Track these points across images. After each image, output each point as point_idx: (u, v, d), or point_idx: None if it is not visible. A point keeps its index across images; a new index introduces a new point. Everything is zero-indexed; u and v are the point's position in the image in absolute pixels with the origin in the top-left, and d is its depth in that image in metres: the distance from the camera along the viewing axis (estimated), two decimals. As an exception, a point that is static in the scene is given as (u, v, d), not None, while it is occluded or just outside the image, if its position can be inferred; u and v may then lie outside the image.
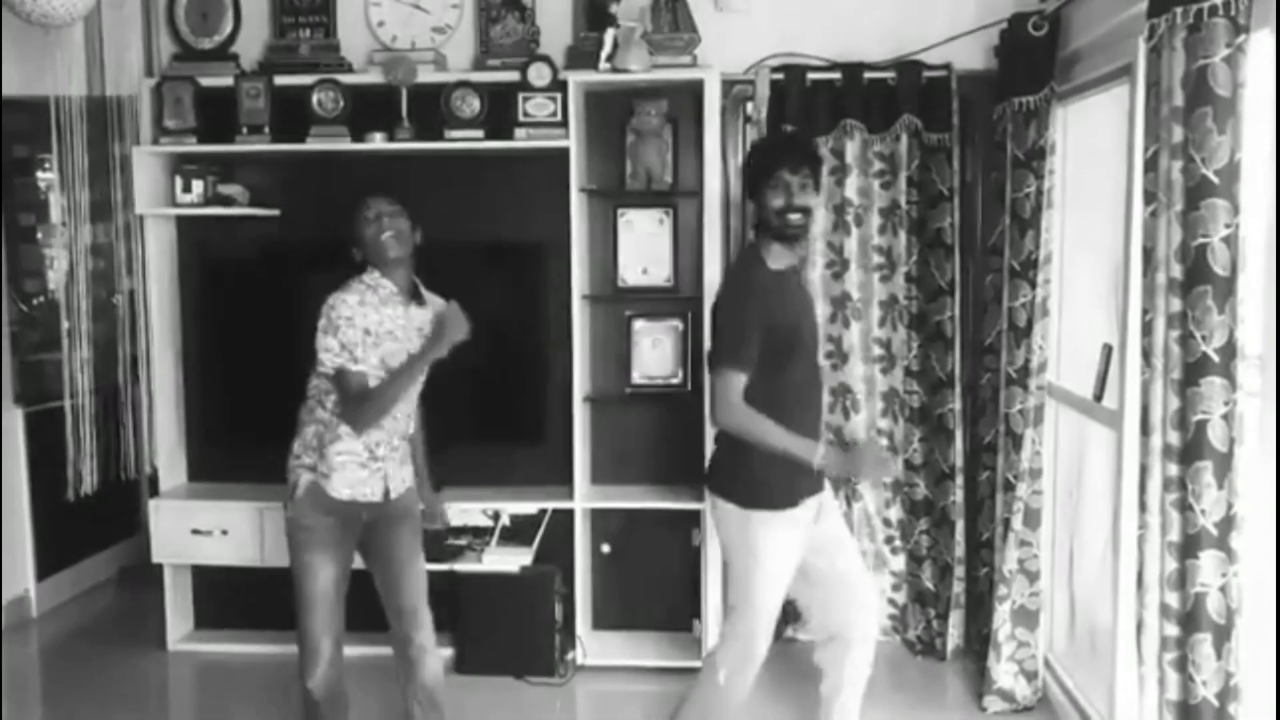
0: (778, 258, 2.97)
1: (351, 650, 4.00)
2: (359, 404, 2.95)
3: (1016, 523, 3.61)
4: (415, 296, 3.11)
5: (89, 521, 4.90)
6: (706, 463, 3.20)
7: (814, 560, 3.05)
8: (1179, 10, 2.47)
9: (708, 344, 3.15)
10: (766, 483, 2.91)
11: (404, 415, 3.12)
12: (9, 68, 4.25)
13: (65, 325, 4.33)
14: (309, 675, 3.09)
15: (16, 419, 4.64)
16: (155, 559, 4.21)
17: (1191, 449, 2.46)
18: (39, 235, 4.88)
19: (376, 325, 3.00)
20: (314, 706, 3.13)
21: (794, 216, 2.90)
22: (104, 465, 4.43)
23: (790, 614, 4.29)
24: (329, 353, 2.97)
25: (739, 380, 2.85)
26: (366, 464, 3.06)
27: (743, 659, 2.99)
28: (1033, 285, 3.56)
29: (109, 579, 5.18)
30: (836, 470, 3.02)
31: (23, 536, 4.67)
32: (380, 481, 3.09)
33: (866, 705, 3.26)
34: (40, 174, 4.85)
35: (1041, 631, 3.74)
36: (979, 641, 4.02)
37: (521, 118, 3.93)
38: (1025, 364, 3.58)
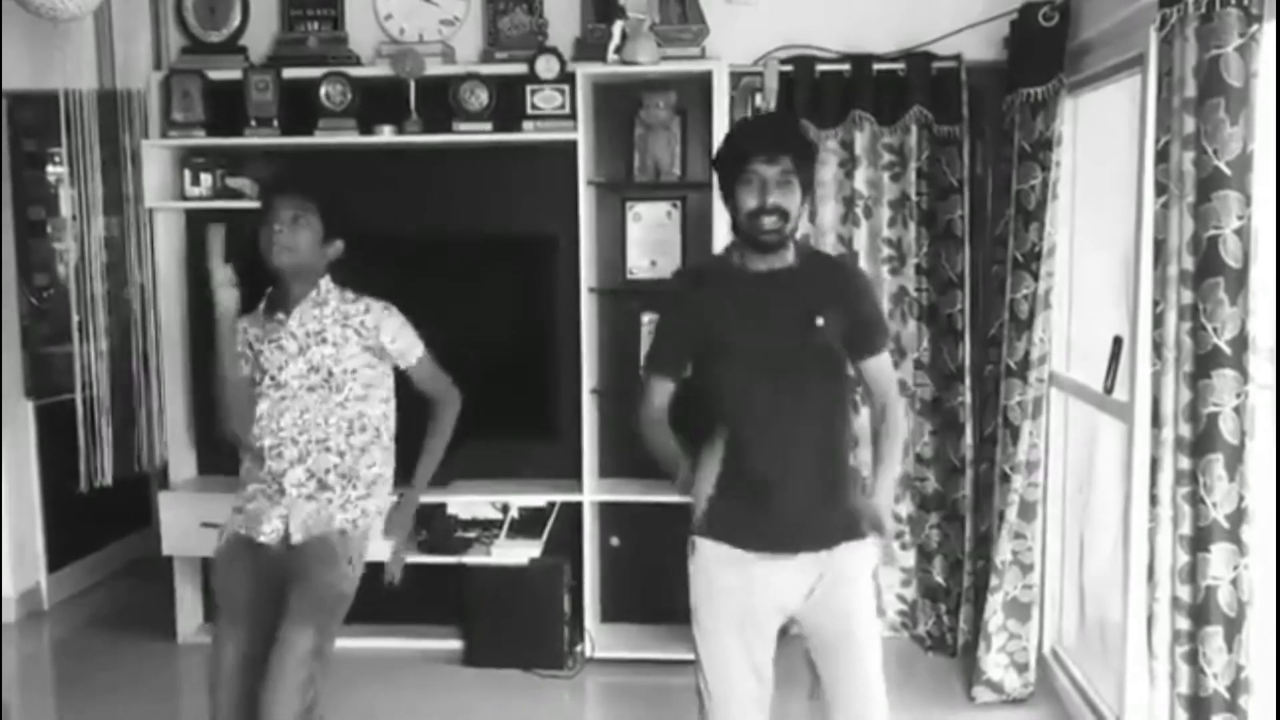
0: (753, 261, 2.44)
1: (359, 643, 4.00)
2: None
3: (1011, 515, 3.61)
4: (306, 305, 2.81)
5: (100, 514, 4.91)
6: None
7: (815, 652, 2.58)
8: (1191, 0, 2.45)
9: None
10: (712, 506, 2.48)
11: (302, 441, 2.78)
12: (19, 62, 4.26)
13: (76, 318, 4.33)
14: None
15: (27, 412, 4.65)
16: (165, 552, 4.23)
17: (1203, 442, 2.45)
18: (49, 229, 4.90)
19: (241, 346, 2.84)
20: None
21: (767, 220, 2.34)
22: (115, 458, 4.44)
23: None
24: None
25: (658, 386, 2.53)
26: (272, 496, 2.82)
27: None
28: (1035, 277, 3.54)
29: (120, 571, 5.20)
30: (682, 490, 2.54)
31: (34, 529, 4.69)
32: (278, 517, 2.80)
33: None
34: (50, 167, 4.86)
35: (1034, 624, 3.73)
36: (973, 634, 4.01)
37: (529, 110, 3.92)
38: (1026, 356, 3.57)
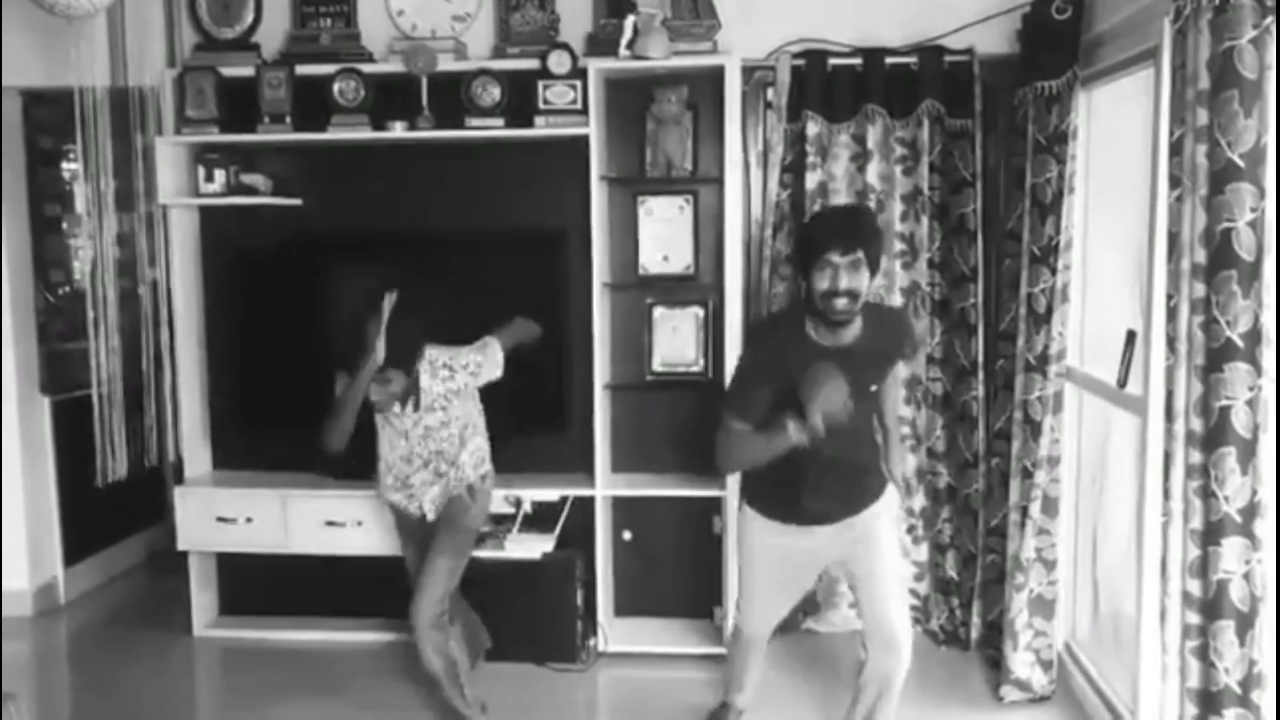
0: (825, 336, 2.84)
1: (373, 636, 4.01)
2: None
3: (1034, 510, 3.59)
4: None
5: (116, 508, 4.94)
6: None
7: (851, 585, 3.22)
8: (1204, -8, 2.44)
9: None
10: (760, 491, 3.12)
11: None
12: (34, 59, 4.28)
13: (91, 315, 4.35)
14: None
15: (43, 407, 4.68)
16: (180, 546, 4.25)
17: (1215, 435, 2.44)
18: (64, 226, 4.92)
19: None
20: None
21: (839, 301, 2.73)
22: (130, 453, 4.46)
23: (809, 606, 4.30)
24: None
25: (735, 425, 2.88)
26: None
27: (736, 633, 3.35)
28: (1053, 271, 3.53)
29: (136, 566, 5.23)
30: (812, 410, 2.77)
31: (50, 523, 4.72)
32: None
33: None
34: (65, 165, 4.89)
35: (1059, 621, 3.72)
36: (989, 628, 4.01)
37: (541, 106, 3.93)
38: (1044, 350, 3.56)
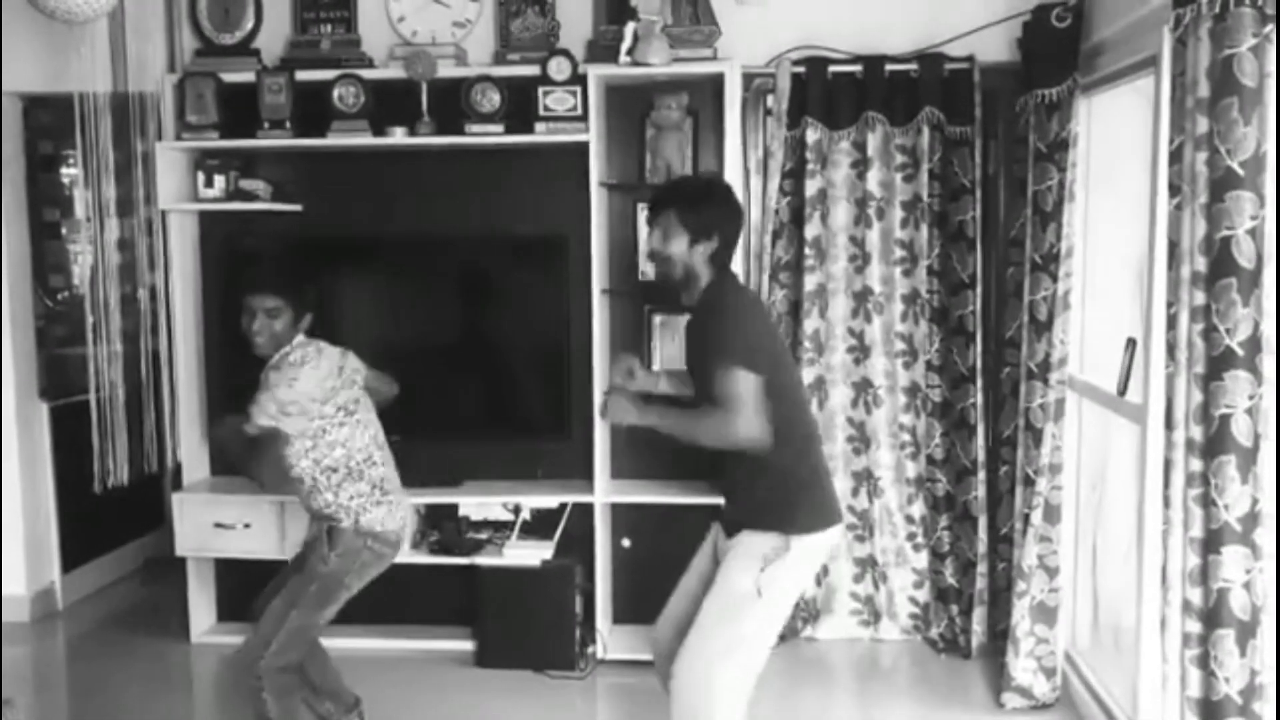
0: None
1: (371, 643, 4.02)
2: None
3: (1036, 518, 3.59)
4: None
5: (114, 514, 4.94)
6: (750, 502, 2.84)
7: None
8: (1204, 0, 2.44)
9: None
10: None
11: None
12: (34, 65, 4.28)
13: (90, 320, 4.35)
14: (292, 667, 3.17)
15: (42, 413, 4.68)
16: (179, 552, 4.24)
17: (1215, 443, 2.43)
18: (64, 231, 4.93)
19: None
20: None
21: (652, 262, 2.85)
22: (129, 459, 4.46)
23: (809, 613, 4.29)
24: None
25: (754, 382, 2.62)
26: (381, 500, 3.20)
27: None
28: (1054, 278, 3.53)
29: (134, 571, 5.22)
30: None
31: (49, 528, 4.71)
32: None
33: (890, 704, 3.24)
34: (65, 170, 4.89)
35: (1060, 628, 3.71)
36: (999, 638, 4.00)
37: (541, 112, 3.93)
38: (1046, 358, 3.56)
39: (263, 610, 3.15)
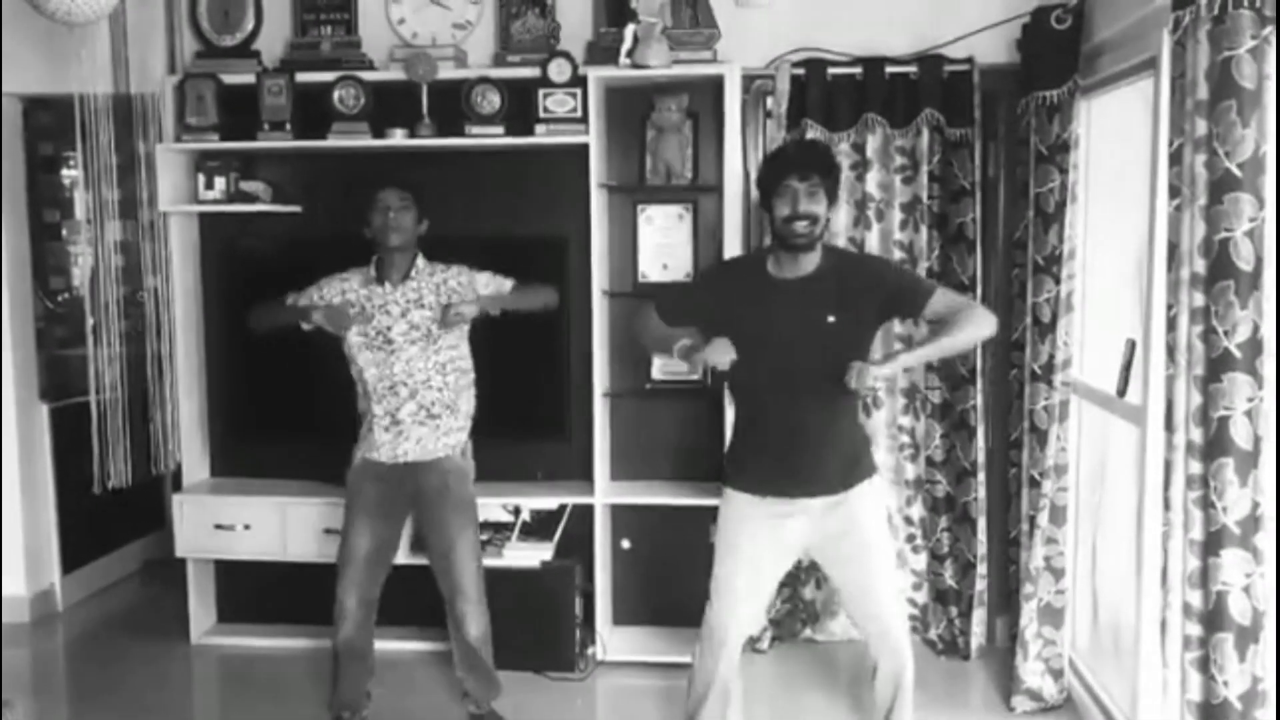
0: (784, 267, 2.96)
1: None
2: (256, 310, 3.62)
3: (1042, 520, 3.59)
4: (405, 277, 3.47)
5: (114, 516, 4.94)
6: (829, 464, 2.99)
7: (829, 571, 3.14)
8: (1203, 2, 2.44)
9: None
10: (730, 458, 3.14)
11: (410, 382, 3.43)
12: (35, 66, 4.29)
13: (90, 321, 4.35)
14: (335, 629, 3.46)
15: (42, 414, 4.68)
16: (179, 554, 4.24)
17: (1214, 446, 2.43)
18: (64, 232, 4.93)
19: (336, 296, 3.48)
20: (335, 659, 3.51)
21: (799, 224, 2.87)
22: (129, 460, 4.46)
23: (809, 615, 4.29)
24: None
25: (656, 321, 3.11)
26: (389, 428, 3.44)
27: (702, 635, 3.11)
28: (1057, 280, 3.53)
29: (134, 572, 5.22)
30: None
31: (48, 530, 4.72)
32: (399, 443, 3.45)
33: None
34: (65, 171, 4.89)
35: (1067, 630, 3.71)
36: (1010, 640, 4.00)
37: (542, 114, 3.93)
38: (1050, 360, 3.56)
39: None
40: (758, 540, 3.01)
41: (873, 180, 4.06)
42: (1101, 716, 3.50)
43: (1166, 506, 2.65)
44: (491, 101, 3.94)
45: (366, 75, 4.02)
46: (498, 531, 4.18)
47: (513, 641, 4.04)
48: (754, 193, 4.13)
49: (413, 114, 3.98)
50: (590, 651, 4.12)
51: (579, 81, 3.91)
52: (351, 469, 3.52)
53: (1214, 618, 2.44)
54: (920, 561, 4.23)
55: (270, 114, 4.02)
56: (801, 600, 4.27)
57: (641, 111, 4.10)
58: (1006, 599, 4.06)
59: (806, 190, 2.86)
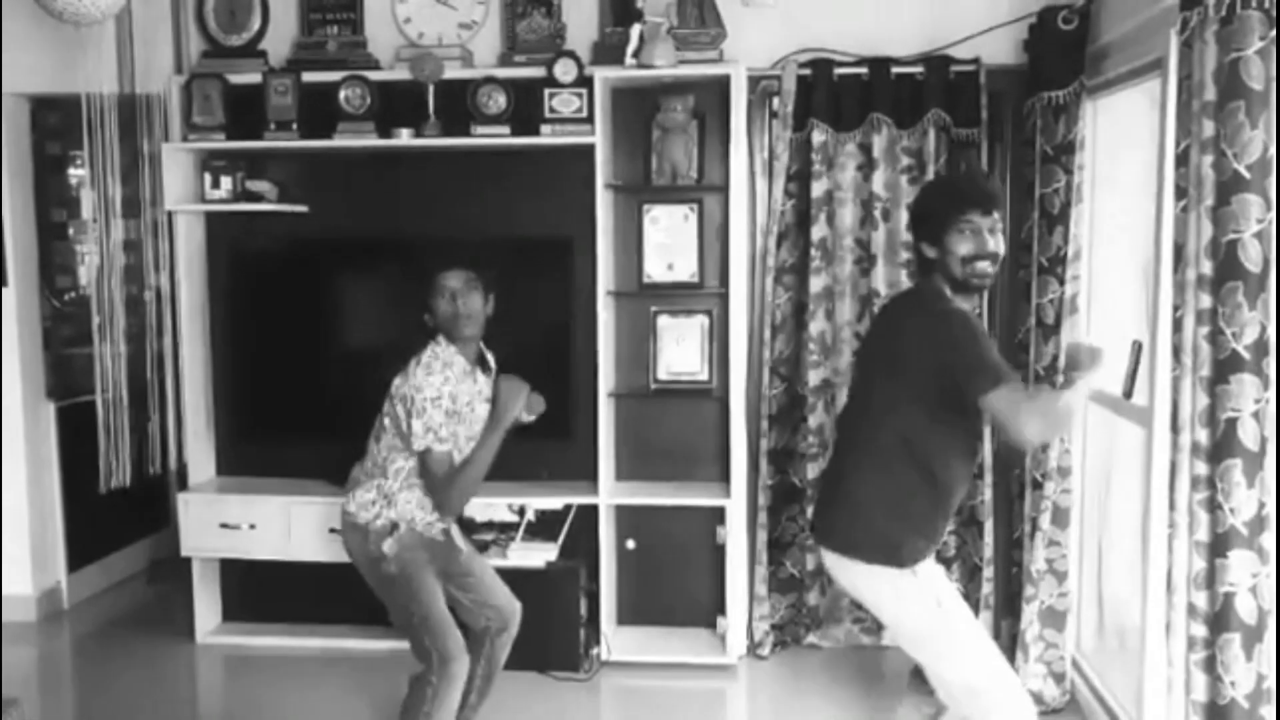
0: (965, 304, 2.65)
1: (376, 644, 4.02)
2: (447, 485, 2.99)
3: (1044, 522, 3.58)
4: (483, 364, 3.19)
5: (120, 515, 4.95)
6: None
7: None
8: (1211, 2, 2.43)
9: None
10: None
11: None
12: (42, 65, 4.29)
13: (96, 320, 4.36)
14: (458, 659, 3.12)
15: (49, 413, 4.69)
16: (184, 553, 4.25)
17: (1221, 447, 2.42)
18: (71, 231, 4.93)
19: (456, 401, 3.02)
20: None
21: (983, 264, 2.58)
22: (135, 459, 4.47)
23: (813, 620, 4.28)
24: (415, 436, 2.96)
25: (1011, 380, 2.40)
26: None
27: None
28: (1061, 281, 3.52)
29: (139, 571, 5.23)
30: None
31: (54, 528, 4.73)
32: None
33: (891, 708, 3.20)
34: (72, 170, 4.90)
35: (1069, 632, 3.70)
36: (1010, 641, 3.99)
37: (548, 114, 3.93)
38: (1054, 361, 3.55)
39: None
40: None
41: (879, 180, 4.05)
42: (1106, 717, 3.49)
43: (1172, 507, 2.65)
44: (497, 101, 3.94)
45: (373, 75, 4.03)
46: (503, 532, 4.18)
47: (517, 641, 4.02)
48: (759, 189, 4.15)
49: (419, 114, 3.98)
50: (595, 651, 4.12)
51: (585, 81, 3.91)
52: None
53: (1220, 619, 2.44)
54: (925, 563, 4.22)
55: (276, 113, 4.02)
56: (805, 605, 4.26)
57: (647, 111, 4.10)
58: (1011, 602, 4.04)
59: (989, 227, 2.58)
